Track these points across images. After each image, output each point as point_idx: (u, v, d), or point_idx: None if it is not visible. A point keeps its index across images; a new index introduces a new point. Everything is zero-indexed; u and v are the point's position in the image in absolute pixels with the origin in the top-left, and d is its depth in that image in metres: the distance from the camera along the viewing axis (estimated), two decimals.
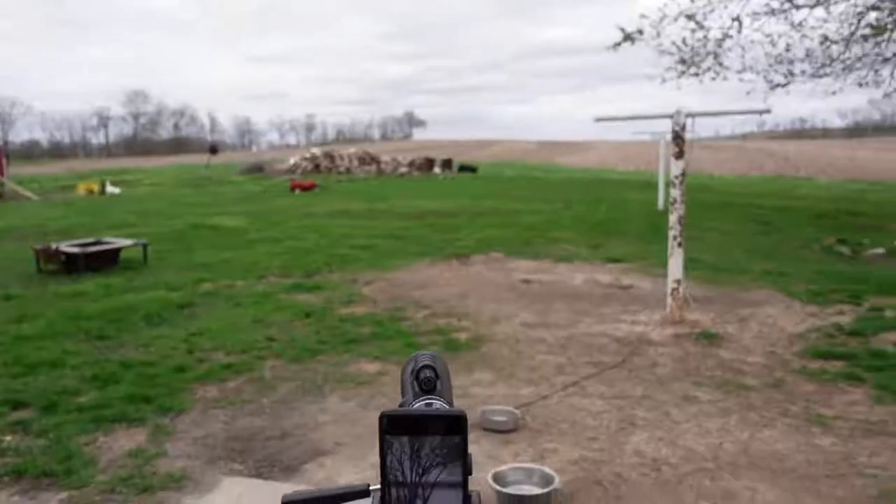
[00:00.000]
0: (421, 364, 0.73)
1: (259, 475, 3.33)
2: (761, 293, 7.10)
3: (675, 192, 5.70)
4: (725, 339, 5.51)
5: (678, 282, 5.88)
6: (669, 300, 5.95)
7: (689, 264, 8.15)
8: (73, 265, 8.36)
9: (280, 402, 4.29)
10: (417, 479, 0.64)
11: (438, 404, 0.70)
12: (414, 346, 5.35)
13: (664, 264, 6.21)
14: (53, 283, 7.94)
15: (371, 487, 0.80)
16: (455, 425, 0.64)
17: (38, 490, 3.16)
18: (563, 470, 3.22)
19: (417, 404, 0.70)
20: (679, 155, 5.56)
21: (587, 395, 4.30)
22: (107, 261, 8.71)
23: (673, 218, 5.76)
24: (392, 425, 0.64)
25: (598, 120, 5.74)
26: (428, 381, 0.72)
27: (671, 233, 5.77)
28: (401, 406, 0.71)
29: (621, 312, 6.36)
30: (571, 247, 10.16)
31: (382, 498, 0.65)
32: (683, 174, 5.68)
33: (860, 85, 14.84)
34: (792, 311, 6.35)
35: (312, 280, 7.88)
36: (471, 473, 0.70)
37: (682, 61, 14.81)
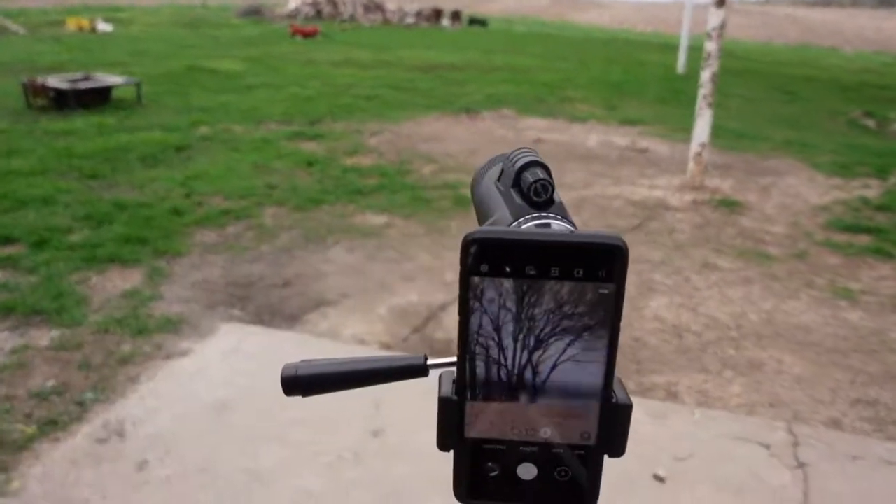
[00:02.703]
0: (525, 160, 0.43)
1: (260, 323, 3.18)
2: (783, 162, 6.78)
3: (712, 46, 5.22)
4: (746, 207, 5.26)
5: (703, 145, 5.55)
6: (691, 164, 5.64)
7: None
8: (63, 101, 7.93)
9: (281, 249, 4.10)
10: (526, 353, 0.37)
11: (560, 227, 0.40)
12: (422, 201, 5.10)
13: (683, 129, 5.85)
14: (44, 119, 7.55)
15: (430, 362, 0.53)
16: (605, 261, 0.35)
17: (28, 327, 3.02)
18: None
19: (526, 225, 0.41)
20: (720, 3, 5.03)
21: None
22: (98, 98, 8.27)
23: (705, 75, 5.32)
24: (486, 257, 0.35)
25: None
26: (543, 188, 0.41)
27: (701, 91, 5.36)
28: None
29: (638, 176, 6.07)
30: (586, 106, 9.69)
31: (460, 378, 0.39)
32: (723, 26, 5.18)
33: None
34: (815, 183, 6.07)
35: (315, 128, 7.50)
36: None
37: None
